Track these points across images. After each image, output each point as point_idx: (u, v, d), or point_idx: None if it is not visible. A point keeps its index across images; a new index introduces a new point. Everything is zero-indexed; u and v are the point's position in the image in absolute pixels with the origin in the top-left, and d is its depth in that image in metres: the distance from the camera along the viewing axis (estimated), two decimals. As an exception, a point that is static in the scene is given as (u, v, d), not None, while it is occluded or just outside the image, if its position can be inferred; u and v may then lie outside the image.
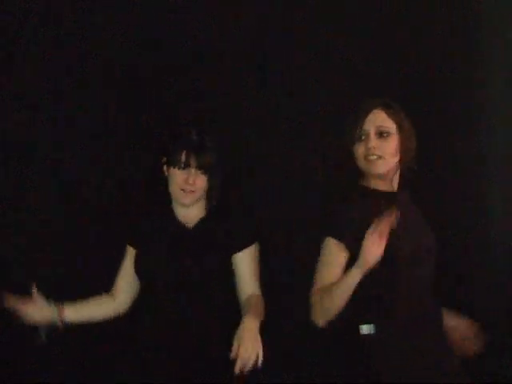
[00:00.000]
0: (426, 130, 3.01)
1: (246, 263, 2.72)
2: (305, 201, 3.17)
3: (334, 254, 2.49)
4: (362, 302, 2.46)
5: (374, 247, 2.33)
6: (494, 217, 3.16)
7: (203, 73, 3.18)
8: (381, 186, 2.57)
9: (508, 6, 3.16)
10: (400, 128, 2.54)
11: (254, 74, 3.20)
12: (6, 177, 3.18)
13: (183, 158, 2.70)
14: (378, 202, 2.50)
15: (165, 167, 2.78)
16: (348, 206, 2.53)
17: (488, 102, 3.14)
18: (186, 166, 2.70)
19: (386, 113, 2.54)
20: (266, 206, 3.19)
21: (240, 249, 2.72)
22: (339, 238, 2.48)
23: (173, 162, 2.72)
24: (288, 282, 3.18)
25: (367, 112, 2.54)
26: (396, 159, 2.55)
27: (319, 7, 3.17)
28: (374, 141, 2.51)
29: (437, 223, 2.66)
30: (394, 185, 2.60)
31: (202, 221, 2.77)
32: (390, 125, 2.53)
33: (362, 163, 2.55)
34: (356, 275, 2.36)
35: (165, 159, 2.78)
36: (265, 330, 2.42)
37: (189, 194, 2.71)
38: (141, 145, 3.21)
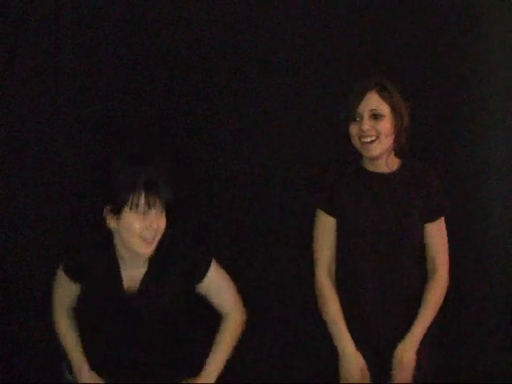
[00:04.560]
0: (425, 130, 3.03)
1: (211, 289, 2.59)
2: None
3: (325, 227, 2.70)
4: None
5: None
6: (494, 216, 3.17)
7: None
8: (376, 166, 2.67)
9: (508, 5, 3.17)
10: (393, 109, 2.62)
11: (249, 60, 3.19)
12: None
13: (142, 199, 2.34)
14: (368, 182, 2.65)
15: (109, 217, 2.40)
16: (339, 181, 2.69)
17: (488, 102, 3.14)
18: (148, 208, 2.34)
19: (379, 95, 2.61)
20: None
21: (201, 279, 2.55)
22: (329, 211, 2.68)
23: (128, 206, 2.33)
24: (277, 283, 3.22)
25: (362, 95, 2.61)
26: (390, 140, 2.63)
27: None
28: (367, 123, 2.59)
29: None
30: (389, 165, 2.67)
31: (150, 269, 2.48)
32: (384, 107, 2.61)
33: (356, 143, 2.64)
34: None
35: (109, 207, 2.39)
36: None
37: (151, 243, 2.40)
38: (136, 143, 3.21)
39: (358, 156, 2.69)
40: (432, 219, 2.67)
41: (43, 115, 3.15)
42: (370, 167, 2.69)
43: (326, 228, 2.70)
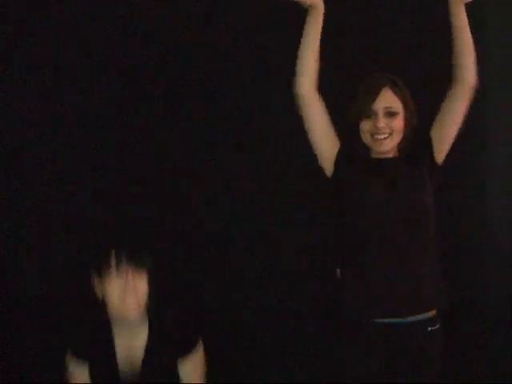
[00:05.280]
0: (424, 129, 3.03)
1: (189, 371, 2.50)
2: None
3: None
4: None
5: None
6: (494, 215, 3.17)
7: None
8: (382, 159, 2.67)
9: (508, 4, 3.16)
10: (405, 106, 2.63)
11: (255, 56, 3.19)
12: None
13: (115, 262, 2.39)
14: (372, 165, 2.65)
15: (98, 287, 2.45)
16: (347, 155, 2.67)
17: (488, 102, 3.14)
18: (121, 271, 2.39)
19: (393, 92, 2.61)
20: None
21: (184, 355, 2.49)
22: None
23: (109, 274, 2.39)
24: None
25: (376, 92, 2.60)
26: (401, 136, 2.63)
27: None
28: (382, 120, 2.58)
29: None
30: (393, 155, 2.68)
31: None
32: (397, 104, 2.61)
33: (367, 139, 2.63)
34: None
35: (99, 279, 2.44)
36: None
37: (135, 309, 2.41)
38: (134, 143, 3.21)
39: (366, 149, 2.68)
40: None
41: (43, 116, 3.16)
42: (375, 155, 2.69)
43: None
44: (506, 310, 3.15)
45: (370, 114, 2.60)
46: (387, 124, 2.59)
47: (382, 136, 2.59)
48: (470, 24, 3.03)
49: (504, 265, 3.15)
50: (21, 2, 3.11)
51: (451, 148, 3.06)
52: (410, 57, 3.13)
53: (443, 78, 3.09)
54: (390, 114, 2.59)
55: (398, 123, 2.60)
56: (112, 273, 2.39)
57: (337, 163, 2.67)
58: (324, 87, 3.07)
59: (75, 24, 3.12)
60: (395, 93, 2.61)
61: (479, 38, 3.07)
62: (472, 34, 3.09)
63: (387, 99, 2.60)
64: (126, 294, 2.37)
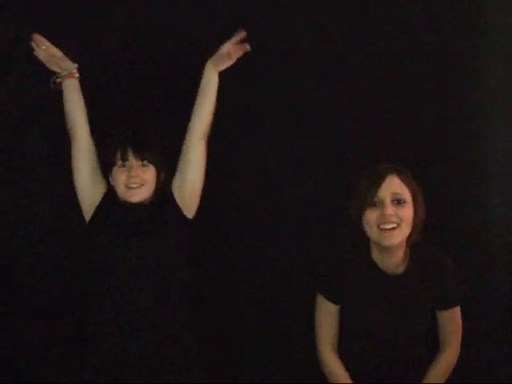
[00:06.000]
0: (425, 130, 3.04)
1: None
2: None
3: (327, 311, 2.58)
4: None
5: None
6: (494, 217, 3.16)
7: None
8: (385, 259, 2.50)
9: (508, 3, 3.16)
10: (414, 196, 2.46)
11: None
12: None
13: (119, 153, 2.64)
14: (377, 282, 2.51)
15: (110, 178, 2.71)
16: (345, 271, 2.54)
17: (488, 102, 3.14)
18: (125, 160, 2.63)
19: (401, 179, 2.45)
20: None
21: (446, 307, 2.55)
22: (332, 299, 2.56)
23: (111, 163, 2.66)
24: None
25: (382, 178, 2.43)
26: (409, 230, 2.46)
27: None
28: (391, 208, 2.41)
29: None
30: (399, 255, 2.50)
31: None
32: (406, 192, 2.45)
33: (373, 231, 2.45)
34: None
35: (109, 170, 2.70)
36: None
37: (136, 190, 2.63)
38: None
39: (367, 245, 2.53)
40: (446, 308, 2.55)
41: (43, 115, 3.16)
42: (379, 259, 2.51)
43: (327, 313, 2.58)
44: (506, 310, 3.15)
45: (375, 202, 2.43)
46: (395, 212, 2.40)
47: (390, 225, 2.40)
48: (469, 24, 3.06)
49: (504, 265, 3.16)
50: (21, 2, 3.12)
51: (451, 149, 3.08)
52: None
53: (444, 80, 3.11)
54: (398, 202, 2.41)
55: (407, 212, 2.42)
56: (119, 163, 2.65)
57: None
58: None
59: (75, 24, 3.13)
60: (403, 180, 2.45)
61: (480, 36, 3.10)
62: (472, 33, 3.12)
63: (395, 185, 2.43)
64: (130, 180, 2.62)
